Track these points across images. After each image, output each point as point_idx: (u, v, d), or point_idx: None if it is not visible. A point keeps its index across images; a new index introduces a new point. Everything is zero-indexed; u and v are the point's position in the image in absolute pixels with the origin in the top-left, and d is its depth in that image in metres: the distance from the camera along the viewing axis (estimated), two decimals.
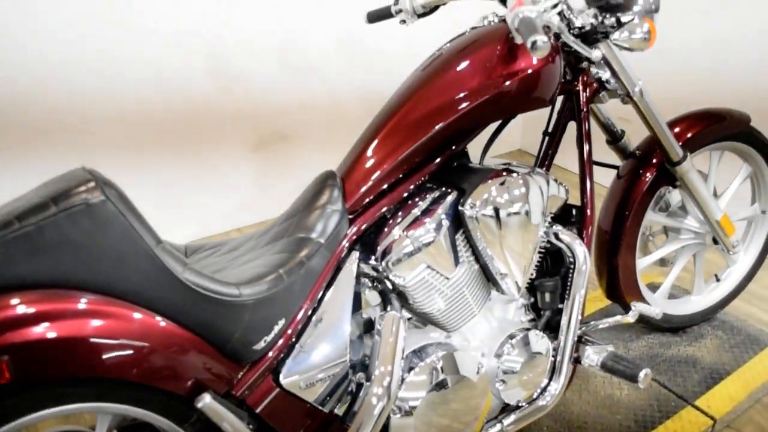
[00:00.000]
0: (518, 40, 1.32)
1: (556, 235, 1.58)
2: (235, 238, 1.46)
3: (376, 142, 1.42)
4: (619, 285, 2.01)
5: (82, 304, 1.02)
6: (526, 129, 3.81)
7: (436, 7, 1.76)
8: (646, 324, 2.20)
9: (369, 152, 1.42)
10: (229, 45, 2.71)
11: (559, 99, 1.72)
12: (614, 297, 2.06)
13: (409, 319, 1.56)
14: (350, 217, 1.39)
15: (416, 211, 1.40)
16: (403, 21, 1.78)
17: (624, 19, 1.54)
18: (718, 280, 2.30)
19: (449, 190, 1.44)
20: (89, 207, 1.00)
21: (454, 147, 1.48)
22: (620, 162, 2.00)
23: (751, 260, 2.28)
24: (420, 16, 1.77)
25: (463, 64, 1.44)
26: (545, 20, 1.31)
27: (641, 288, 2.07)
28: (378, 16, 1.83)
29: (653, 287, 2.22)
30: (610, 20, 1.54)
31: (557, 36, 1.57)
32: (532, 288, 1.65)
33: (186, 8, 2.56)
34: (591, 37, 1.56)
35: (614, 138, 1.95)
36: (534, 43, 1.20)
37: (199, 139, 2.79)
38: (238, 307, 1.15)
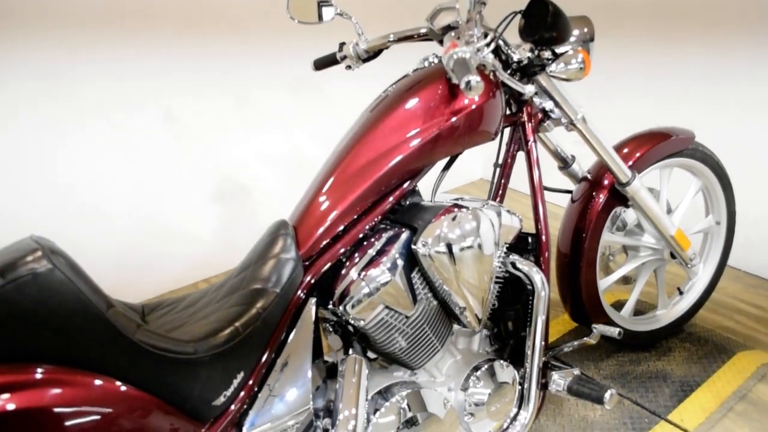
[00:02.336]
0: (454, 80, 1.37)
1: (513, 264, 1.61)
2: (191, 293, 1.47)
3: (327, 187, 1.45)
4: (583, 307, 2.04)
5: (38, 374, 1.02)
6: (487, 158, 3.86)
7: (379, 51, 1.80)
8: (615, 342, 2.22)
9: (320, 198, 1.44)
10: (186, 101, 2.73)
11: (507, 130, 1.78)
12: (580, 319, 2.09)
13: (374, 359, 1.57)
14: (305, 263, 1.40)
15: (371, 253, 1.42)
16: (349, 66, 1.83)
17: (559, 51, 1.59)
18: (681, 293, 2.34)
19: (402, 229, 1.46)
20: (36, 276, 1.00)
21: (405, 186, 1.51)
22: (573, 186, 2.05)
23: (711, 271, 2.33)
24: (364, 60, 1.82)
25: (407, 106, 1.48)
26: (479, 60, 1.36)
27: (606, 307, 2.10)
28: (324, 63, 1.88)
29: (620, 305, 2.26)
30: (546, 53, 1.59)
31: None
32: (495, 318, 1.68)
33: (138, 69, 2.58)
34: (530, 70, 1.62)
35: (565, 164, 2.00)
36: (468, 83, 1.23)
37: (160, 194, 2.79)
38: (194, 364, 1.15)
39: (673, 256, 2.13)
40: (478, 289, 1.48)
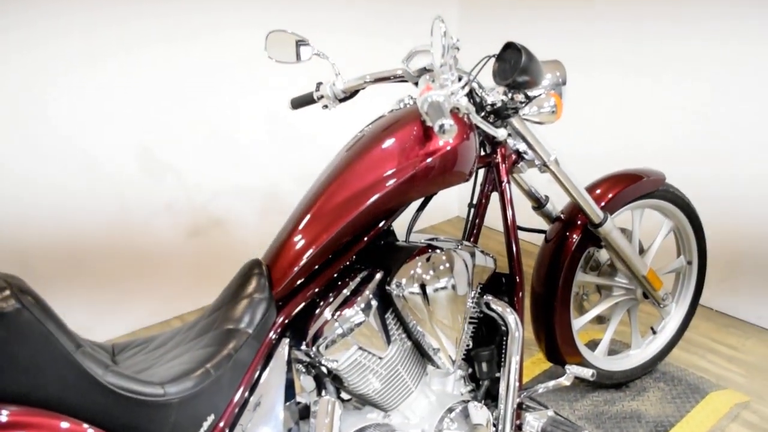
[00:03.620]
0: (428, 123, 1.38)
1: (488, 305, 1.61)
2: (163, 333, 1.45)
3: (301, 226, 1.45)
4: (557, 346, 2.04)
5: (3, 416, 1.00)
6: (464, 196, 3.89)
7: (356, 92, 1.83)
8: (590, 382, 2.22)
9: (295, 237, 1.44)
10: (157, 136, 2.73)
11: (482, 171, 1.80)
12: (554, 359, 2.09)
13: (348, 400, 1.55)
14: (279, 303, 1.39)
15: (345, 293, 1.42)
16: (326, 106, 1.85)
17: (532, 94, 1.63)
18: (654, 332, 2.36)
19: (376, 270, 1.46)
20: (4, 316, 0.98)
21: (379, 226, 1.51)
22: (547, 226, 2.07)
23: (683, 310, 2.36)
24: (341, 100, 1.84)
25: (383, 146, 1.49)
26: (453, 103, 1.38)
27: (580, 347, 2.11)
28: (301, 102, 1.89)
29: (594, 345, 2.27)
30: (519, 96, 1.62)
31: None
32: (469, 358, 1.67)
33: (108, 101, 2.57)
34: (503, 112, 1.64)
35: (539, 204, 2.02)
36: (441, 126, 1.25)
37: (132, 230, 2.77)
38: (163, 406, 1.13)
39: (645, 296, 2.15)
40: (451, 330, 1.48)
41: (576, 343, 2.09)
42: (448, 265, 1.45)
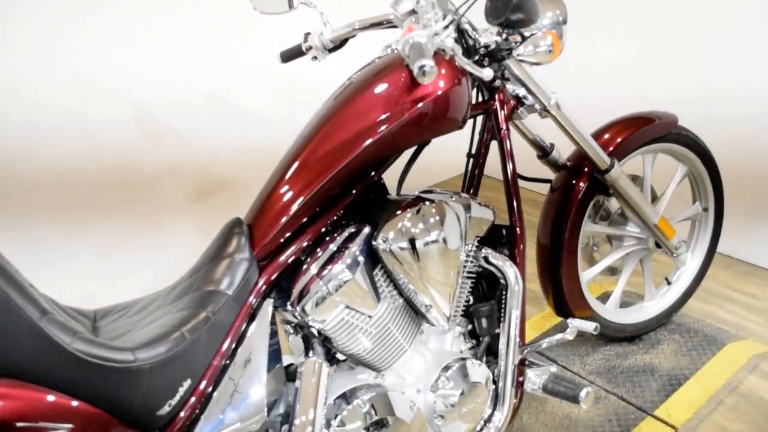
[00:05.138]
0: (410, 66, 1.29)
1: (486, 259, 1.53)
2: (145, 297, 1.40)
3: (284, 180, 1.37)
4: (565, 300, 1.97)
5: None
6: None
7: (345, 41, 1.73)
8: (602, 335, 2.15)
9: (278, 192, 1.36)
10: (156, 97, 2.66)
11: (480, 119, 1.71)
12: (562, 312, 2.01)
13: (343, 361, 1.50)
14: (262, 262, 1.33)
15: (330, 250, 1.35)
16: (315, 58, 1.75)
17: (527, 34, 1.51)
18: (669, 283, 2.27)
19: (363, 225, 1.39)
20: None
21: (367, 178, 1.44)
22: (553, 176, 1.98)
23: (699, 259, 2.26)
24: (330, 50, 1.74)
25: (367, 94, 1.40)
26: (437, 44, 1.28)
27: (590, 300, 2.03)
28: (290, 55, 1.80)
29: (607, 296, 2.19)
30: (514, 36, 1.51)
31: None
32: (469, 314, 1.61)
33: (107, 62, 2.51)
34: (497, 54, 1.54)
35: (544, 152, 1.92)
36: (421, 67, 1.16)
37: (136, 195, 2.72)
38: (133, 372, 1.09)
39: (658, 245, 2.06)
40: (444, 285, 1.41)
41: (585, 295, 2.01)
42: (438, 217, 1.37)
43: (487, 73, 1.30)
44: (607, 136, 1.92)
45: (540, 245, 1.97)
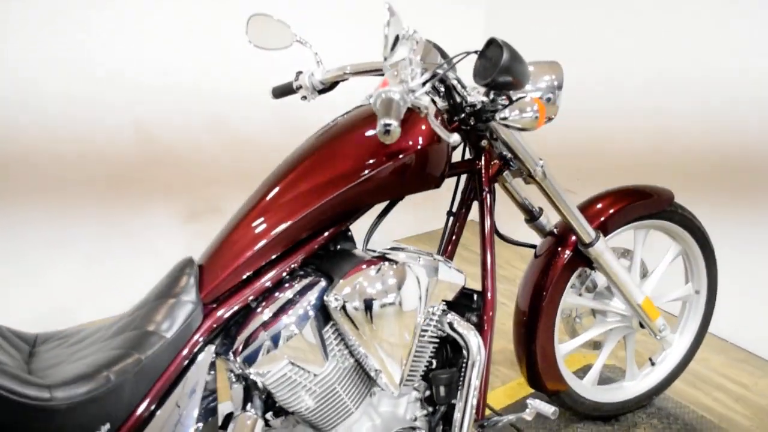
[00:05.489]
0: None
1: (451, 325, 1.47)
2: (87, 327, 1.35)
3: (245, 222, 1.33)
4: (538, 371, 1.89)
5: None
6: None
7: (336, 83, 1.70)
8: (576, 412, 2.06)
9: (235, 235, 1.32)
10: (155, 117, 2.65)
11: (464, 177, 1.66)
12: (535, 385, 1.93)
13: (291, 413, 1.44)
14: (211, 306, 1.28)
15: (282, 301, 1.30)
16: (305, 97, 1.72)
17: (515, 97, 1.47)
18: (653, 363, 2.17)
19: (320, 278, 1.34)
20: None
21: (333, 228, 1.39)
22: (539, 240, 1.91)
23: (687, 342, 2.16)
24: (320, 92, 1.71)
25: (344, 143, 1.37)
26: (410, 101, 1.24)
27: (564, 374, 1.95)
28: (282, 91, 1.78)
29: (589, 369, 2.10)
30: (501, 98, 1.47)
31: (449, 113, 1.52)
32: (428, 379, 1.54)
33: (115, 78, 2.51)
34: (483, 115, 1.49)
35: (532, 216, 1.86)
36: (385, 126, 1.11)
37: (128, 211, 2.71)
38: (47, 411, 1.04)
39: (642, 325, 1.97)
40: (396, 351, 1.35)
41: (560, 368, 1.93)
42: (396, 279, 1.31)
43: (454, 138, 1.25)
44: (597, 207, 1.86)
45: (518, 310, 1.90)
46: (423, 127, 1.37)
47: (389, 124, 1.10)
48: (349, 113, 1.49)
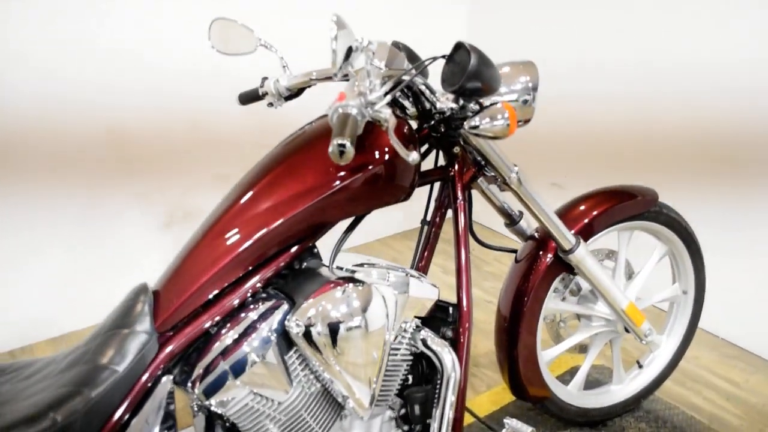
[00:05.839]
0: None
1: (424, 342, 1.41)
2: (42, 358, 1.29)
3: (202, 244, 1.27)
4: (521, 378, 1.83)
5: None
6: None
7: (302, 90, 1.63)
8: (560, 418, 2.01)
9: (192, 257, 1.27)
10: (132, 120, 2.58)
11: (438, 185, 1.60)
12: (517, 392, 1.88)
13: None
14: (168, 334, 1.22)
15: (241, 327, 1.24)
16: (271, 104, 1.65)
17: (487, 102, 1.40)
18: (640, 366, 2.12)
19: (282, 301, 1.28)
20: None
21: (298, 246, 1.33)
22: (519, 245, 1.86)
23: (675, 344, 2.11)
24: (287, 98, 1.64)
25: (305, 156, 1.32)
26: (369, 115, 1.17)
27: (548, 380, 1.90)
28: (248, 98, 1.70)
29: (575, 372, 2.04)
30: (472, 105, 1.40)
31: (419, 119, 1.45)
32: (404, 396, 1.48)
33: (89, 80, 2.44)
34: (452, 123, 1.43)
35: (512, 220, 1.80)
36: (339, 146, 1.04)
37: (104, 217, 2.64)
38: None
39: (627, 329, 1.92)
40: (364, 375, 1.29)
41: (543, 376, 1.87)
42: (361, 302, 1.25)
43: (413, 157, 1.18)
44: (579, 209, 1.80)
45: (499, 316, 1.84)
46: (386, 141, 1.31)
47: (343, 145, 1.04)
48: (317, 120, 1.42)
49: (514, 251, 1.85)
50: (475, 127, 1.34)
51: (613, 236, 1.90)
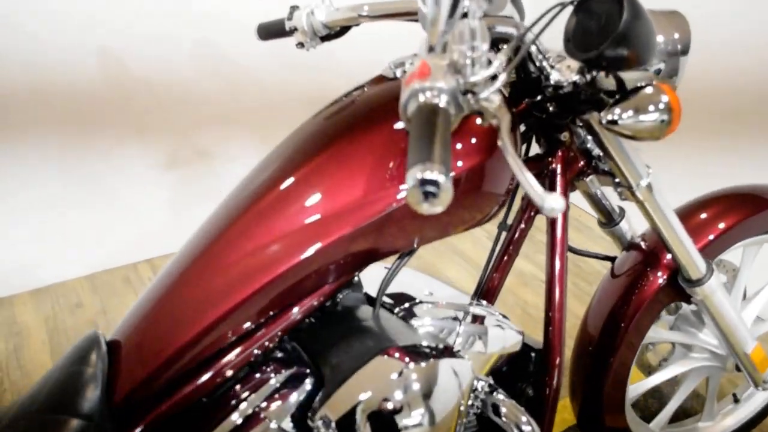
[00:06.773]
0: None
1: (496, 408, 1.02)
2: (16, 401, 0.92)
3: (190, 276, 0.87)
4: (600, 415, 1.46)
5: None
6: None
7: (345, 29, 1.18)
8: None
9: (174, 297, 0.86)
10: (127, 44, 2.15)
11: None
12: (588, 427, 1.51)
13: None
14: (129, 416, 0.84)
15: (242, 410, 0.85)
16: (301, 44, 1.20)
17: (628, 78, 0.93)
18: (736, 400, 1.73)
19: (302, 370, 0.88)
20: None
21: (330, 285, 0.91)
22: (618, 252, 1.43)
23: None
24: (323, 38, 1.19)
25: (357, 149, 0.88)
26: (471, 107, 0.73)
27: (630, 418, 1.52)
28: (271, 31, 1.26)
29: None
30: (606, 80, 0.93)
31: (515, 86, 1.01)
32: None
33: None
34: (575, 106, 0.98)
35: (610, 219, 1.37)
36: (423, 184, 0.58)
37: (95, 157, 2.26)
38: None
39: (738, 368, 1.51)
40: None
41: (626, 415, 1.50)
42: (422, 389, 0.85)
43: (551, 204, 0.71)
44: (699, 219, 1.36)
45: (585, 334, 1.44)
46: (478, 128, 0.87)
47: (434, 182, 0.58)
48: (373, 87, 0.99)
49: (612, 259, 1.43)
50: (614, 123, 0.89)
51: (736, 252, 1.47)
